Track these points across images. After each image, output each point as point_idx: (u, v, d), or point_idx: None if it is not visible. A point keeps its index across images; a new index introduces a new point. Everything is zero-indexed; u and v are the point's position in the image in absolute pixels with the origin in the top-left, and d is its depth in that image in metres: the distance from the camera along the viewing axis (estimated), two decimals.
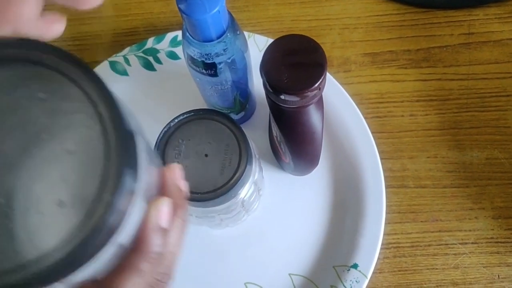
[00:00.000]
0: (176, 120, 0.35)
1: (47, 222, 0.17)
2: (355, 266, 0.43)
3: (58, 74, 0.17)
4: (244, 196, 0.37)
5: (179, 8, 0.31)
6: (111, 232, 0.17)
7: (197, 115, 0.35)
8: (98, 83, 0.17)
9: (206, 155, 0.35)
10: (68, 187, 0.18)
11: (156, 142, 0.35)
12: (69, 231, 0.16)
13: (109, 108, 0.17)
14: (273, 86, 0.31)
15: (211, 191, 0.33)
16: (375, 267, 0.42)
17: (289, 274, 0.44)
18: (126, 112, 0.18)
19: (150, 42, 0.50)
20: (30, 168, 0.18)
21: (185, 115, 0.35)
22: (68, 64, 0.17)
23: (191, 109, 0.36)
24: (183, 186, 0.24)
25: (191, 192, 0.33)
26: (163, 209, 0.21)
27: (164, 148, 0.35)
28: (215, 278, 0.44)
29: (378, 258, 0.43)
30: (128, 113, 0.18)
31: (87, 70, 0.17)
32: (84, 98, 0.17)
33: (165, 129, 0.35)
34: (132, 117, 0.19)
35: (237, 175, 0.34)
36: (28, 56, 0.17)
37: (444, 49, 0.51)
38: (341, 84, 0.47)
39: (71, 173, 0.18)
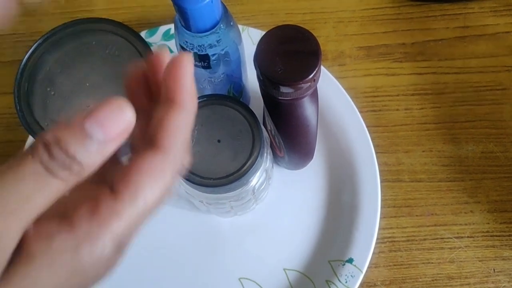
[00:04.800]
0: None
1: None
2: (350, 260, 0.42)
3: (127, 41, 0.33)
4: (256, 184, 0.37)
5: None
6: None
7: (209, 100, 0.35)
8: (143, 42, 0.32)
9: (218, 141, 0.34)
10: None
11: None
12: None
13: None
14: (267, 78, 0.30)
15: (224, 177, 0.33)
16: (370, 262, 0.42)
17: (284, 269, 0.44)
18: None
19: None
20: None
21: (198, 100, 0.35)
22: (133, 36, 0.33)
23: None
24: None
25: (203, 178, 0.33)
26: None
27: None
28: (209, 274, 0.44)
29: (374, 253, 0.43)
30: None
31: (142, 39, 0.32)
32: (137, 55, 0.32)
33: None
34: None
35: (250, 161, 0.33)
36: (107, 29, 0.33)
37: (440, 42, 0.51)
38: (336, 77, 0.47)
39: None
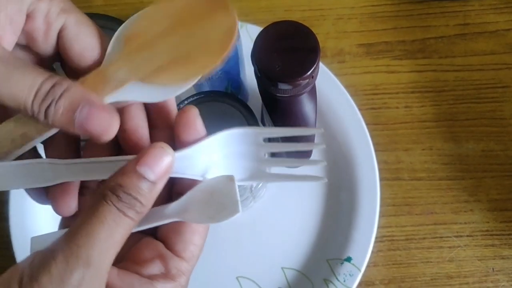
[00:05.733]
0: (185, 102, 0.34)
1: None
2: (348, 259, 0.42)
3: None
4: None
5: None
6: None
7: (207, 97, 0.34)
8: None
9: None
10: None
11: None
12: None
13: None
14: (265, 74, 0.30)
15: None
16: (369, 260, 0.42)
17: (282, 268, 0.44)
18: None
19: None
20: None
21: (195, 97, 0.34)
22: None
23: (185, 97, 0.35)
24: None
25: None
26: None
27: None
28: (207, 273, 0.44)
29: (372, 251, 0.42)
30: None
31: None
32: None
33: None
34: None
35: None
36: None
37: (440, 40, 0.51)
38: (335, 75, 0.47)
39: None
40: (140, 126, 0.24)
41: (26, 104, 0.21)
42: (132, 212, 0.20)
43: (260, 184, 0.39)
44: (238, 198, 0.22)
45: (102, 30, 0.35)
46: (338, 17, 0.52)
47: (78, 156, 0.25)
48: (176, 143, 0.23)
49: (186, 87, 0.23)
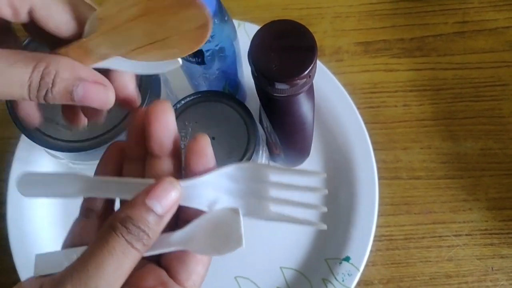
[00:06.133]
0: (182, 102, 0.34)
1: None
2: (347, 259, 0.42)
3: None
4: None
5: None
6: None
7: (204, 97, 0.34)
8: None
9: (213, 138, 0.34)
10: None
11: None
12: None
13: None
14: (262, 74, 0.29)
15: None
16: (367, 260, 0.42)
17: (281, 268, 0.43)
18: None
19: None
20: None
21: (192, 97, 0.34)
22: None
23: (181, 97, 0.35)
24: None
25: None
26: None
27: None
28: None
29: (371, 251, 0.42)
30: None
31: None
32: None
33: None
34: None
35: (245, 159, 0.33)
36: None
37: (438, 38, 0.50)
38: (333, 73, 0.46)
39: None
40: (128, 81, 0.25)
41: (24, 98, 0.21)
42: (139, 244, 0.21)
43: None
44: (242, 231, 0.22)
45: None
46: (336, 15, 0.52)
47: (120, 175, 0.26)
48: (185, 171, 0.24)
49: (170, 66, 0.23)
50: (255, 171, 0.24)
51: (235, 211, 0.23)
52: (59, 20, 0.23)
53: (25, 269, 0.42)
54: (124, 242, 0.20)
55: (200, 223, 0.23)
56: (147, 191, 0.21)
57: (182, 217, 0.24)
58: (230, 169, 0.23)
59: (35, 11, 0.22)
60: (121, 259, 0.20)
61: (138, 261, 0.21)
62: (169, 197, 0.21)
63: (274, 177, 0.24)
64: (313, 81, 0.32)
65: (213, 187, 0.23)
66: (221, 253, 0.22)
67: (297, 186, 0.24)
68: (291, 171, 0.24)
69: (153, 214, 0.21)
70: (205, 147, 0.23)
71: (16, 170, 0.44)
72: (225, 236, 0.22)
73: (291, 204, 0.24)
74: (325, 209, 0.25)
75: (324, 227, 0.24)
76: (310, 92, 0.34)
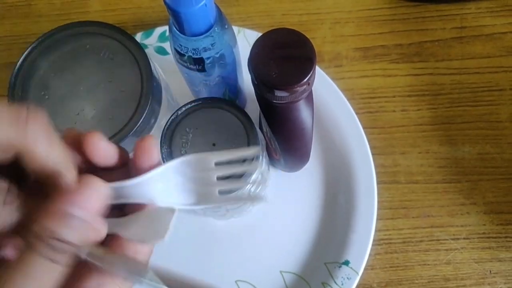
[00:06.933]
0: (183, 109, 0.35)
1: None
2: (346, 263, 0.42)
3: (121, 44, 0.35)
4: (251, 186, 0.37)
5: (165, 2, 0.30)
6: None
7: (205, 104, 0.35)
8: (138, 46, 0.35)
9: (214, 144, 0.34)
10: None
11: (163, 131, 0.34)
12: None
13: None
14: (262, 82, 0.30)
15: None
16: (366, 264, 0.42)
17: (281, 271, 0.44)
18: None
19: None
20: None
21: (193, 104, 0.35)
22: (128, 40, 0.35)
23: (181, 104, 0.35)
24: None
25: None
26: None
27: (171, 136, 0.34)
28: (205, 277, 0.44)
29: (370, 255, 0.42)
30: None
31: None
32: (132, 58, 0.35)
33: (173, 117, 0.34)
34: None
35: (245, 164, 0.33)
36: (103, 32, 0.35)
37: (436, 43, 0.51)
38: (332, 79, 0.47)
39: None
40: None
41: None
42: (61, 257, 0.18)
43: (259, 189, 0.39)
44: (170, 227, 0.22)
45: (97, 36, 0.35)
46: (335, 21, 0.52)
47: None
48: (132, 170, 0.23)
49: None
50: (199, 161, 0.24)
51: (171, 210, 0.23)
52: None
53: None
54: (43, 260, 0.18)
55: (137, 215, 0.23)
56: (64, 195, 0.19)
57: (127, 210, 0.24)
58: (175, 163, 0.24)
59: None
60: (43, 280, 0.18)
61: (64, 273, 0.19)
62: (91, 197, 0.19)
63: (216, 160, 0.24)
64: (312, 87, 0.32)
65: (162, 182, 0.24)
66: (145, 241, 0.22)
67: (235, 160, 0.25)
68: (230, 152, 0.25)
69: (74, 218, 0.18)
70: (150, 146, 0.23)
71: None
72: (154, 229, 0.22)
73: (235, 183, 0.25)
74: (266, 200, 0.25)
75: (266, 200, 0.25)
76: (310, 98, 0.34)
